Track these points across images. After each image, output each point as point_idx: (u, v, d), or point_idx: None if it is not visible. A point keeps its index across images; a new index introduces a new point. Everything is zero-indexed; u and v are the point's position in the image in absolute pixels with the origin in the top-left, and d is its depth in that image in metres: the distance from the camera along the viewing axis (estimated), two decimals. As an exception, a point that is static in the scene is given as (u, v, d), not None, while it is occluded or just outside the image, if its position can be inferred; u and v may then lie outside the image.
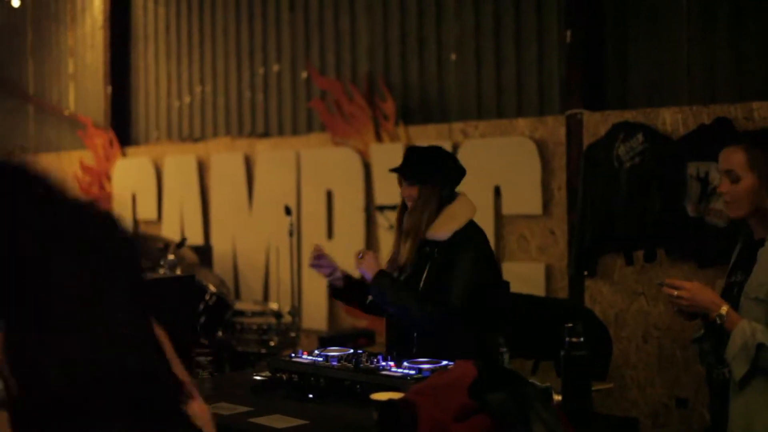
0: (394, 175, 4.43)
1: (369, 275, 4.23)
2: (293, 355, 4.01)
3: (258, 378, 3.93)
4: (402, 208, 4.42)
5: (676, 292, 3.46)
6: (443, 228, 4.24)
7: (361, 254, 4.28)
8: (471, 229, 4.29)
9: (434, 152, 4.38)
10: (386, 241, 7.56)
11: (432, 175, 4.26)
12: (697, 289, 3.46)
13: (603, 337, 5.34)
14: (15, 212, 1.93)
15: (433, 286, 4.19)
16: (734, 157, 3.58)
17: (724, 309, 3.39)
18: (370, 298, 4.36)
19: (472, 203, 4.40)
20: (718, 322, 3.39)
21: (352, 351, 3.93)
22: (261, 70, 9.04)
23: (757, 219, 3.59)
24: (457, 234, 4.23)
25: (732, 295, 3.55)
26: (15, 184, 1.98)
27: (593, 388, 3.52)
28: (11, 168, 2.01)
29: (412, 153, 4.38)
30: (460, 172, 4.36)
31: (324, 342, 6.76)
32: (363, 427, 3.17)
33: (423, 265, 4.24)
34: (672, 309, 3.60)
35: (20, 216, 1.93)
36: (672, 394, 6.04)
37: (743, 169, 3.54)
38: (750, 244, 3.63)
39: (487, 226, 6.82)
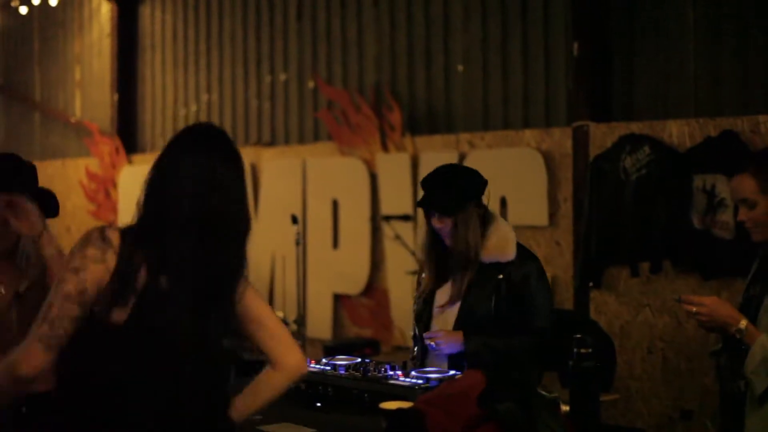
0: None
1: (458, 347, 3.97)
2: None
3: (266, 386, 3.93)
4: (430, 238, 4.15)
5: (694, 309, 3.46)
6: (507, 248, 4.05)
7: (435, 341, 3.96)
8: (521, 244, 4.14)
9: (458, 175, 4.15)
10: (392, 250, 7.58)
11: (465, 203, 4.03)
12: (715, 304, 3.46)
13: (607, 348, 5.35)
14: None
15: (511, 311, 4.00)
16: (744, 185, 3.57)
17: (743, 323, 3.39)
18: None
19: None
20: (738, 336, 3.39)
21: (359, 360, 3.94)
22: (268, 79, 9.06)
23: None
24: (518, 251, 4.07)
25: (750, 309, 3.55)
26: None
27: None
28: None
29: (435, 183, 4.11)
30: (485, 184, 4.15)
31: (329, 351, 6.76)
32: (371, 436, 3.18)
33: (488, 290, 4.03)
34: (694, 322, 3.60)
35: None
36: (677, 406, 6.05)
37: (756, 194, 3.53)
38: None
39: (493, 236, 6.83)
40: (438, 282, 4.18)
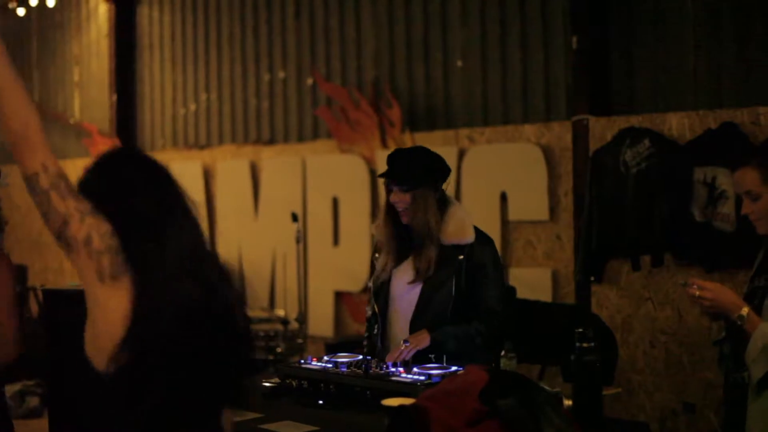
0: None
1: (426, 343, 4.01)
2: (302, 361, 4.02)
3: (268, 384, 3.94)
4: (388, 217, 4.24)
5: (698, 293, 3.47)
6: (466, 231, 4.16)
7: (406, 342, 4.00)
8: (477, 228, 4.26)
9: (423, 155, 4.23)
10: (392, 247, 7.57)
11: (426, 178, 4.13)
12: (719, 289, 3.47)
13: (608, 342, 5.35)
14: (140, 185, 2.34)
15: (468, 293, 4.12)
16: (748, 177, 3.58)
17: (745, 310, 3.40)
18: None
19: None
20: (739, 323, 3.40)
21: (361, 357, 3.94)
22: (266, 77, 9.05)
23: None
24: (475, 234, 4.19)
25: (754, 300, 3.55)
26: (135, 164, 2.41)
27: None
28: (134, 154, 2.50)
29: (400, 157, 4.20)
30: (448, 171, 4.27)
31: (330, 348, 6.76)
32: (374, 433, 3.18)
33: (449, 271, 4.12)
34: (697, 308, 3.60)
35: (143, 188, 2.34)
36: (679, 399, 6.04)
37: (759, 186, 3.54)
38: None
39: (494, 231, 6.83)
40: (396, 261, 4.25)
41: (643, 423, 4.44)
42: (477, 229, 4.22)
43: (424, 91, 7.74)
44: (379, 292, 4.29)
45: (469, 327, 4.07)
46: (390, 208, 4.21)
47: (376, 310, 4.31)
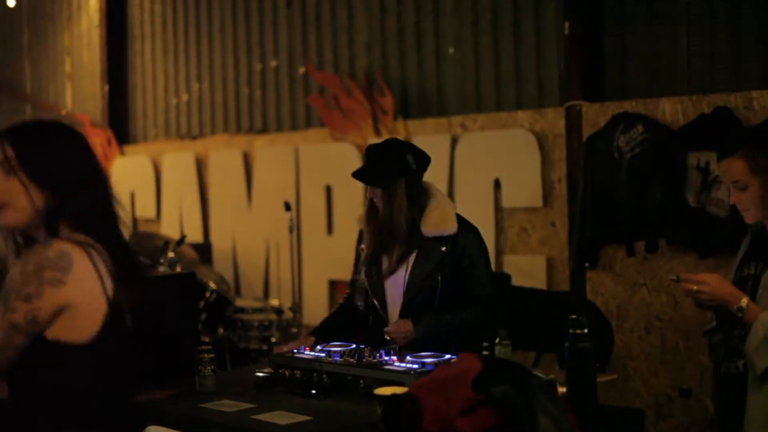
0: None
1: (411, 336, 4.08)
2: (295, 351, 4.00)
3: (260, 374, 3.92)
4: (369, 207, 4.32)
5: (695, 287, 3.43)
6: (448, 223, 4.21)
7: (389, 335, 4.06)
8: (461, 217, 4.31)
9: (389, 149, 4.28)
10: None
11: (394, 177, 4.18)
12: (716, 282, 3.43)
13: (604, 329, 5.33)
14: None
15: (455, 282, 4.18)
16: (735, 167, 3.56)
17: (744, 301, 3.37)
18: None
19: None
20: (739, 315, 3.37)
21: (354, 346, 3.92)
22: (258, 66, 9.01)
23: None
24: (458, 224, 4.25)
25: (745, 288, 3.52)
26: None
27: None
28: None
29: (371, 153, 4.31)
30: (424, 162, 4.28)
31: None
32: (367, 423, 3.16)
33: (433, 263, 4.19)
34: (691, 301, 3.57)
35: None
36: (675, 385, 6.03)
37: (746, 176, 3.52)
38: (763, 237, 3.61)
39: (488, 219, 6.82)
40: (380, 248, 4.31)
41: (638, 409, 4.43)
42: (460, 219, 4.27)
43: (416, 79, 7.71)
44: (371, 271, 4.34)
45: (453, 316, 4.13)
46: (372, 201, 4.29)
47: (376, 302, 4.32)
